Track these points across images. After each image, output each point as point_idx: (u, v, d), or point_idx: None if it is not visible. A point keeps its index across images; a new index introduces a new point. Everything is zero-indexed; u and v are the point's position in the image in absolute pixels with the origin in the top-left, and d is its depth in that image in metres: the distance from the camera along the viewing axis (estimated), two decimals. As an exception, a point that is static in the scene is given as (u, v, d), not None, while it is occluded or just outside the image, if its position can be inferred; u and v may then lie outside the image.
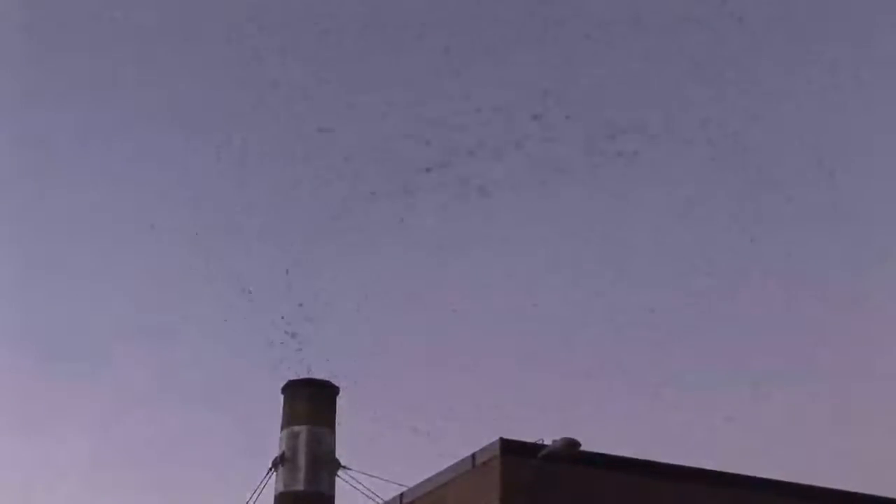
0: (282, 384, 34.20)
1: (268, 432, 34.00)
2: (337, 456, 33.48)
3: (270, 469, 33.24)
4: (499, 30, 53.03)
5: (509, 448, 22.56)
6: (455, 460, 23.88)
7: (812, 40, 55.50)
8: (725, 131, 49.89)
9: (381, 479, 32.13)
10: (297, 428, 33.37)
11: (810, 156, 53.09)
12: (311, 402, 33.75)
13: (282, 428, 33.62)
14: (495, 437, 22.77)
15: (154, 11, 54.18)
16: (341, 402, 34.18)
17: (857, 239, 55.05)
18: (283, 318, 35.96)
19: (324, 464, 33.15)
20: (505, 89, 49.66)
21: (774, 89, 53.44)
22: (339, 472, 33.25)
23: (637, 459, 23.56)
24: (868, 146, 55.50)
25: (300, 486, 32.85)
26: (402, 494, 25.68)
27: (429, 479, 24.62)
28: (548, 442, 22.21)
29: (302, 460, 33.02)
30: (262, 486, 33.08)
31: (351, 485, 32.96)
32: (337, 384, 34.14)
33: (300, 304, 37.23)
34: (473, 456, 23.30)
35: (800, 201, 52.87)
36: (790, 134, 54.26)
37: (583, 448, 22.13)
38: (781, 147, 53.83)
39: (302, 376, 34.26)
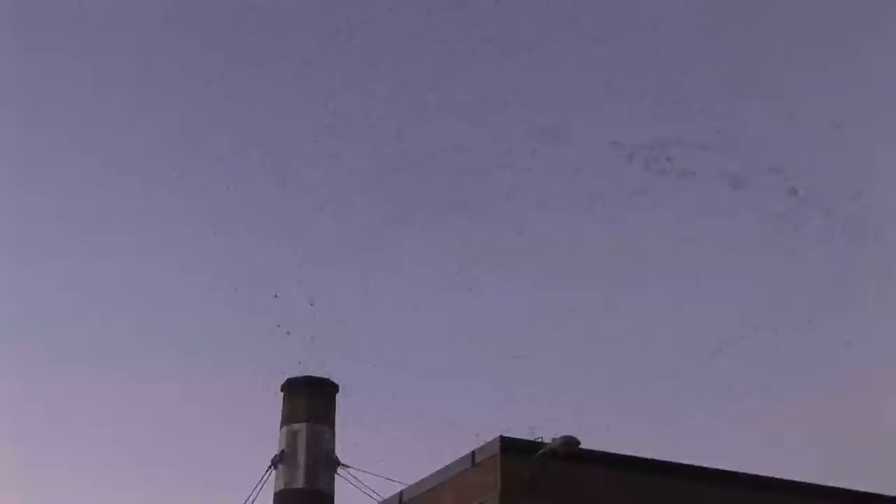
0: (281, 382, 34.18)
1: (267, 430, 33.99)
2: (336, 454, 33.43)
3: (270, 467, 33.19)
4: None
5: (509, 446, 22.49)
6: (454, 458, 23.83)
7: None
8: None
9: (381, 476, 32.12)
10: (296, 426, 33.31)
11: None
12: (311, 399, 33.68)
13: (281, 426, 33.56)
14: (495, 436, 22.72)
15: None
16: (340, 399, 34.17)
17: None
18: (294, 323, 35.98)
19: (323, 462, 33.09)
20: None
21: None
22: (339, 470, 33.19)
23: (637, 458, 23.49)
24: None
25: (299, 485, 32.78)
26: (401, 493, 25.61)
27: (428, 478, 24.56)
28: (547, 440, 22.16)
29: (301, 458, 32.95)
30: (261, 483, 33.06)
31: (350, 483, 32.94)
32: (336, 382, 34.12)
33: (300, 301, 37.24)
34: (473, 454, 23.23)
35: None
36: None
37: (582, 446, 22.09)
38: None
39: (301, 374, 34.23)
